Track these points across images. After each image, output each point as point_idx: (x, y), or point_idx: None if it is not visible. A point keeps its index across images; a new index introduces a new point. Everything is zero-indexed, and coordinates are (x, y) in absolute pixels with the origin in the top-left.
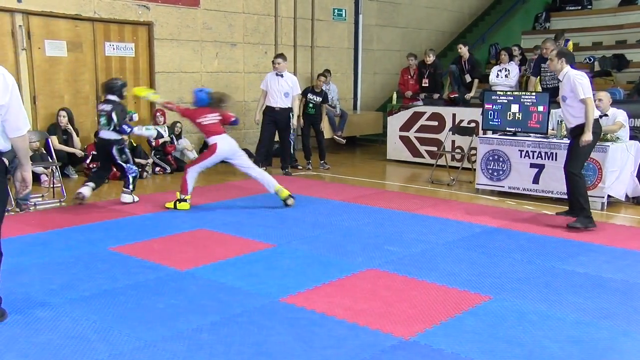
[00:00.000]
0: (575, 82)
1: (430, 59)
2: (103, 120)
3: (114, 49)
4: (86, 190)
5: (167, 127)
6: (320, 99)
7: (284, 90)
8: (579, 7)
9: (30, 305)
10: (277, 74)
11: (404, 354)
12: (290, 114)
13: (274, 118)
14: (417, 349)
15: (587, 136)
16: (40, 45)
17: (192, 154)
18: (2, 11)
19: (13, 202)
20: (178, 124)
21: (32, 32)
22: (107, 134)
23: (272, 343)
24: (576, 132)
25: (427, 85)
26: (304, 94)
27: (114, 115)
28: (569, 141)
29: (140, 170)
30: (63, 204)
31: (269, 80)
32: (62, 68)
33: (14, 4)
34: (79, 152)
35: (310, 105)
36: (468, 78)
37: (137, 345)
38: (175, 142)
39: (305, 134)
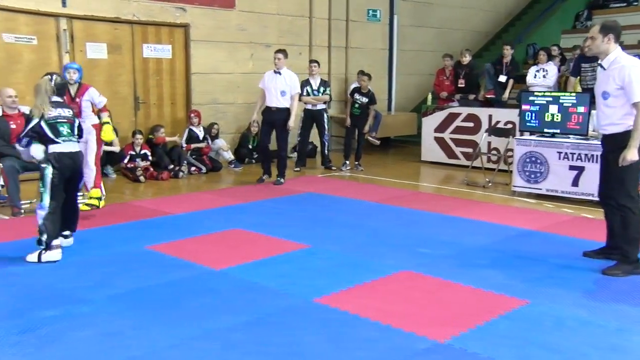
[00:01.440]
0: (632, 76)
1: (467, 59)
2: (67, 129)
3: (151, 50)
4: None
5: (203, 127)
6: (367, 100)
7: (281, 89)
8: (625, 4)
9: (70, 301)
10: (275, 72)
11: (437, 357)
12: (287, 114)
13: (271, 119)
14: (451, 352)
15: (632, 154)
16: (82, 48)
17: (228, 154)
18: (48, 16)
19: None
20: (215, 125)
21: (75, 35)
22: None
23: (304, 343)
24: (613, 145)
25: (463, 85)
26: (352, 94)
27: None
28: (599, 153)
29: (176, 169)
30: (102, 202)
31: (266, 78)
32: (102, 70)
33: (59, 8)
34: (117, 149)
35: (356, 105)
36: (502, 78)
37: (172, 343)
38: (211, 143)
39: (349, 133)
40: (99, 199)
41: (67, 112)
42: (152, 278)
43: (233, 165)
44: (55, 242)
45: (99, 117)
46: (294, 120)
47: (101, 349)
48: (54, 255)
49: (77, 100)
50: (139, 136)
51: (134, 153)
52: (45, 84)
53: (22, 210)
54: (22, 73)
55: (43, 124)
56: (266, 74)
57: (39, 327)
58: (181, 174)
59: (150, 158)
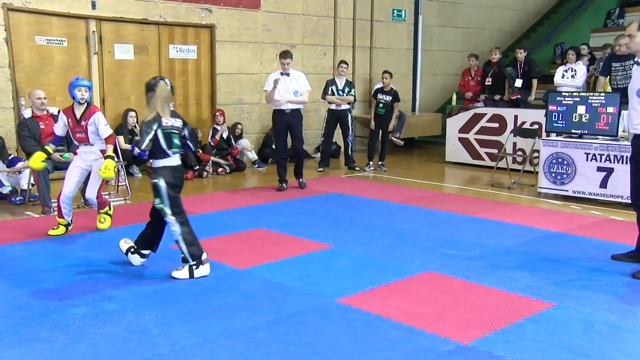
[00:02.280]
0: None
1: (496, 57)
2: (178, 141)
3: (177, 51)
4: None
5: (228, 127)
6: (391, 98)
7: (293, 89)
8: None
9: (98, 298)
10: (282, 73)
11: (461, 359)
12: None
13: (286, 122)
14: (476, 354)
15: None
16: (110, 49)
17: (252, 154)
18: (78, 18)
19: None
20: (239, 125)
21: (103, 37)
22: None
23: (327, 344)
24: None
25: (491, 84)
26: (374, 95)
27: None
28: (629, 154)
29: (201, 169)
30: (128, 201)
31: (273, 80)
32: (129, 70)
33: (88, 11)
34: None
35: (381, 105)
36: (518, 83)
37: (197, 341)
38: (235, 143)
39: (373, 134)
40: (108, 213)
41: (178, 123)
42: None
43: (257, 165)
44: (203, 256)
45: (106, 150)
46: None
47: (127, 346)
48: (205, 270)
49: (83, 123)
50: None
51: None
52: (163, 89)
53: (52, 209)
54: (53, 74)
55: (159, 133)
56: (272, 76)
57: (68, 324)
58: (205, 173)
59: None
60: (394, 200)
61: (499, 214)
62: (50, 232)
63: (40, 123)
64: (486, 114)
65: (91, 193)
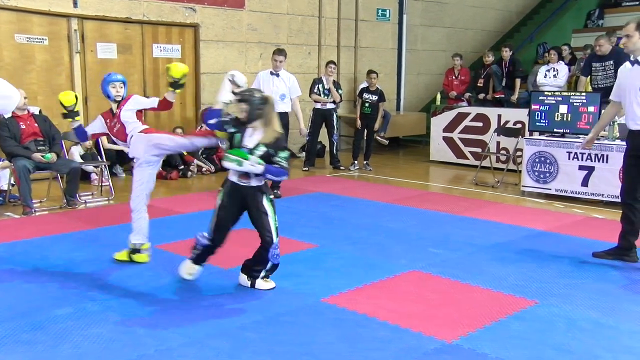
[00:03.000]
0: None
1: (490, 59)
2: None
3: (161, 50)
4: None
5: None
6: (377, 97)
7: (280, 92)
8: (637, 3)
9: (82, 299)
10: (271, 73)
11: (447, 357)
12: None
13: None
14: (461, 352)
15: None
16: (92, 48)
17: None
18: (60, 16)
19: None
20: None
21: (85, 35)
22: None
23: (316, 343)
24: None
25: (482, 85)
26: (360, 95)
27: None
28: (609, 153)
29: (186, 169)
30: (111, 201)
31: (261, 80)
32: (113, 70)
33: (70, 9)
34: (126, 148)
35: (367, 104)
36: (504, 81)
37: (183, 341)
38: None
39: (359, 133)
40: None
41: None
42: (162, 277)
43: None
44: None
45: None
46: (302, 126)
47: (112, 347)
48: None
49: (116, 112)
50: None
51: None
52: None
53: (34, 210)
54: (34, 73)
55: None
56: (261, 75)
57: (51, 325)
58: (190, 173)
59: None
60: (380, 200)
61: (484, 213)
62: (116, 256)
63: (21, 123)
64: (470, 113)
65: (140, 200)
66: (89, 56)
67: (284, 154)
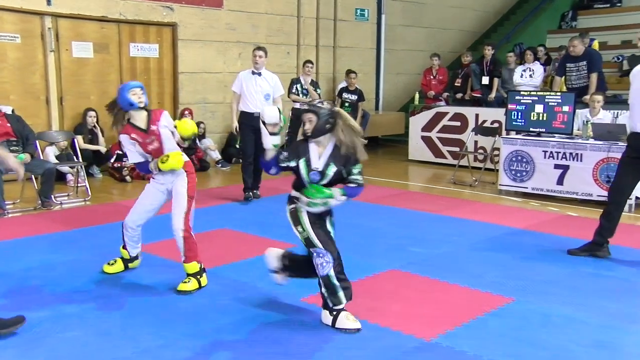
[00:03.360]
0: None
1: (468, 59)
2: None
3: (138, 50)
4: None
5: None
6: (356, 97)
7: (265, 92)
8: (608, 5)
9: (58, 301)
10: (253, 72)
11: (426, 355)
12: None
13: (254, 125)
14: (439, 350)
15: None
16: (67, 47)
17: (215, 154)
18: (33, 14)
19: None
20: (201, 125)
21: (60, 34)
22: None
23: (294, 343)
24: None
25: (460, 85)
26: (339, 94)
27: None
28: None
29: None
30: (88, 202)
31: (243, 80)
32: (89, 69)
33: (43, 6)
34: (102, 149)
35: (346, 104)
36: (485, 80)
37: (160, 343)
38: (199, 143)
39: None
40: (197, 276)
41: None
42: (141, 278)
43: (220, 165)
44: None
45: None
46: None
47: (89, 350)
48: (353, 323)
49: (154, 128)
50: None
51: (120, 152)
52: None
53: (7, 212)
54: (7, 71)
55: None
56: (242, 75)
57: (27, 328)
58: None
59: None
60: (360, 199)
61: (462, 212)
62: (105, 269)
63: None
64: (448, 112)
65: (177, 221)
66: (64, 55)
67: (357, 169)
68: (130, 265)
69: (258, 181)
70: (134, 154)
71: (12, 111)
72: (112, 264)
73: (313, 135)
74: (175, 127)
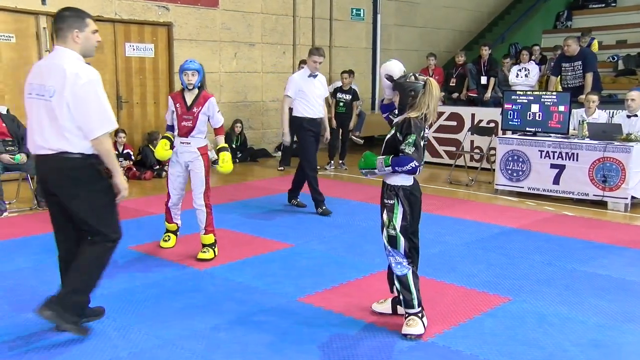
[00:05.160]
0: None
1: (462, 59)
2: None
3: (134, 49)
4: None
5: None
6: (350, 97)
7: (323, 94)
8: (603, 5)
9: None
10: (310, 75)
11: (422, 354)
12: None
13: (318, 131)
14: (435, 350)
15: None
16: None
17: (212, 154)
18: (27, 14)
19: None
20: None
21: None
22: None
23: (289, 343)
24: None
25: (454, 85)
26: (333, 94)
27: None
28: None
29: (159, 169)
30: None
31: (301, 84)
32: None
33: (38, 6)
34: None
35: (341, 104)
36: (483, 80)
37: (156, 343)
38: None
39: (334, 133)
40: (213, 247)
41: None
42: (136, 279)
43: (216, 165)
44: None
45: (216, 141)
46: (328, 130)
47: (86, 350)
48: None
49: (194, 110)
50: (122, 134)
51: (116, 152)
52: (437, 87)
53: (7, 212)
54: (1, 71)
55: (421, 142)
56: (297, 79)
57: (19, 330)
58: (164, 173)
59: (132, 157)
60: (355, 199)
61: (458, 211)
62: (162, 244)
63: None
64: (444, 112)
65: (199, 199)
66: None
67: (408, 139)
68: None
69: (300, 189)
70: (169, 116)
71: (7, 111)
72: (167, 240)
73: (400, 111)
74: (217, 161)
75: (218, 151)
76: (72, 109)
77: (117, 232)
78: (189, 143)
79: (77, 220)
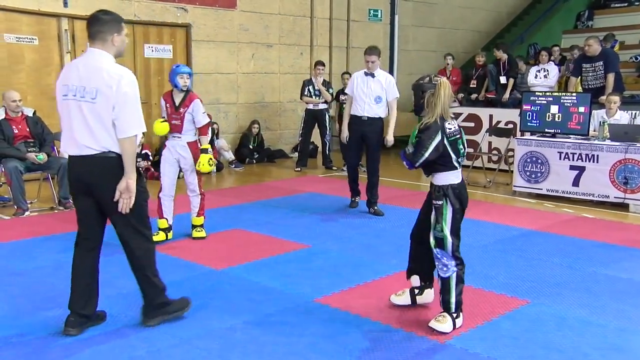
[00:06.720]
0: None
1: (482, 59)
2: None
3: (152, 50)
4: None
5: None
6: None
7: (375, 94)
8: (626, 4)
9: None
10: (366, 73)
11: (439, 357)
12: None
13: (361, 131)
14: (453, 352)
15: None
16: (83, 48)
17: (229, 154)
18: (50, 16)
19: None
20: (214, 125)
21: (76, 35)
22: None
23: (305, 344)
24: None
25: (475, 86)
26: (336, 97)
27: None
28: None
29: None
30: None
31: (355, 82)
32: None
33: (60, 9)
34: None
35: (344, 105)
36: (503, 80)
37: (173, 342)
38: (215, 142)
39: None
40: (203, 227)
41: (457, 126)
42: None
43: (234, 166)
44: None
45: (199, 141)
46: (389, 133)
47: (103, 350)
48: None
49: (181, 110)
50: (140, 135)
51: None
52: (446, 86)
53: (28, 211)
54: (24, 73)
55: (446, 141)
56: (356, 76)
57: (40, 327)
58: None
59: (151, 158)
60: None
61: (475, 213)
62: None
63: (14, 127)
64: (462, 113)
65: (194, 185)
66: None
67: (414, 139)
68: (168, 235)
69: (375, 195)
70: (164, 114)
71: (34, 113)
72: (155, 234)
73: (417, 112)
74: (198, 165)
75: (200, 152)
76: (117, 109)
77: (151, 233)
78: (180, 137)
79: (117, 219)
